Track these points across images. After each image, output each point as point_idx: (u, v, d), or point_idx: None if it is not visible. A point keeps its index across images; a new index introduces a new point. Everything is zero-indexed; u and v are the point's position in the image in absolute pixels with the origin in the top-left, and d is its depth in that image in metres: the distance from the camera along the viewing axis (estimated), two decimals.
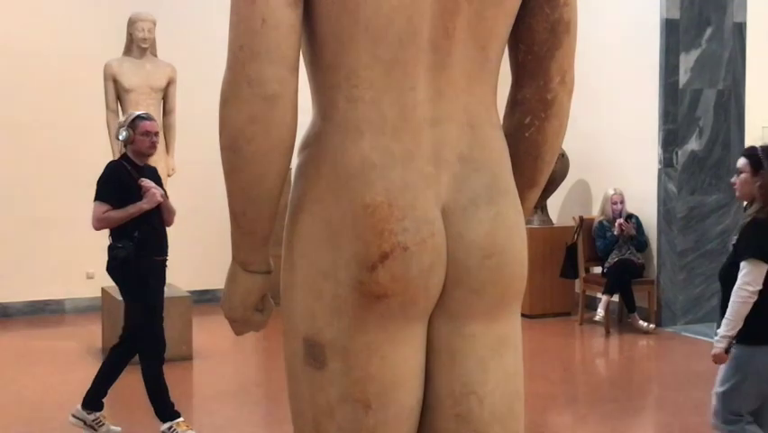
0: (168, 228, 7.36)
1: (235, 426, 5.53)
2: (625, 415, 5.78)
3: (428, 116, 1.82)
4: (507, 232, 1.85)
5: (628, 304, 8.37)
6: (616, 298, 8.47)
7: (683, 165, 8.41)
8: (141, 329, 5.12)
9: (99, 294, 7.93)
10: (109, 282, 7.96)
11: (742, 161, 4.05)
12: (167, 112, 7.57)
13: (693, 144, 8.46)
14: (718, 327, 4.06)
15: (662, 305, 8.47)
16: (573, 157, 8.76)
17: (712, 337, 7.59)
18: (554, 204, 9.45)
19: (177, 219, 8.55)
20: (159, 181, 5.24)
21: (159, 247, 5.17)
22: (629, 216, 8.45)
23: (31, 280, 9.22)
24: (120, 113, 7.43)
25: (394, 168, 1.77)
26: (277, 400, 6.02)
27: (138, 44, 7.38)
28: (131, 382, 6.56)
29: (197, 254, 9.39)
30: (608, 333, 8.17)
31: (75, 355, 7.45)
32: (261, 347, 7.81)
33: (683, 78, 8.40)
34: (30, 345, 7.83)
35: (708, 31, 8.43)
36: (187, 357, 7.14)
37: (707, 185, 8.52)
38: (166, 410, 5.14)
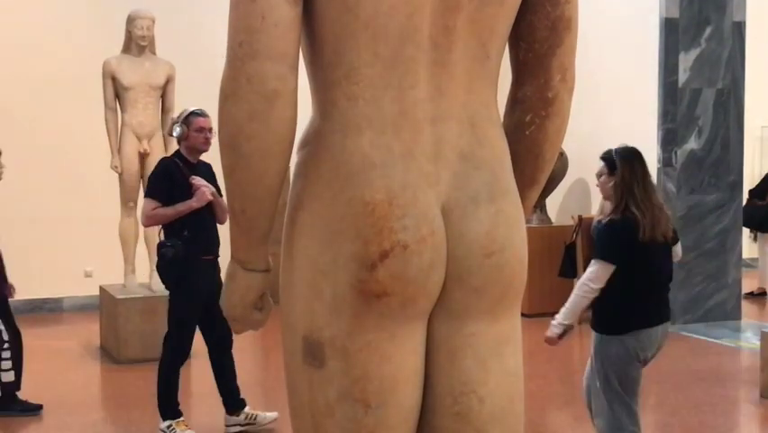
0: (153, 227, 7.37)
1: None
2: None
3: (428, 114, 1.81)
4: (507, 230, 1.84)
5: None
6: None
7: (682, 164, 8.40)
8: (177, 327, 5.11)
9: (97, 292, 7.93)
10: (107, 281, 8.00)
11: (600, 165, 4.26)
12: (165, 110, 7.55)
13: (692, 144, 8.45)
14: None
15: None
16: (572, 156, 8.75)
17: (712, 337, 7.61)
18: (553, 203, 9.45)
19: None
20: (213, 178, 5.13)
21: (207, 246, 5.09)
22: None
23: (29, 279, 9.19)
24: (118, 111, 7.42)
25: (394, 166, 1.76)
26: (275, 398, 6.01)
27: (137, 42, 7.37)
28: (130, 380, 6.56)
29: None
30: None
31: (73, 354, 7.44)
32: (260, 346, 7.80)
33: (682, 77, 8.39)
34: (27, 344, 7.78)
35: (708, 30, 8.43)
36: None
37: (706, 184, 8.51)
38: (169, 409, 5.14)
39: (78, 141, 9.14)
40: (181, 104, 7.75)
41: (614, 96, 8.85)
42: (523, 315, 2.02)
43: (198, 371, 6.99)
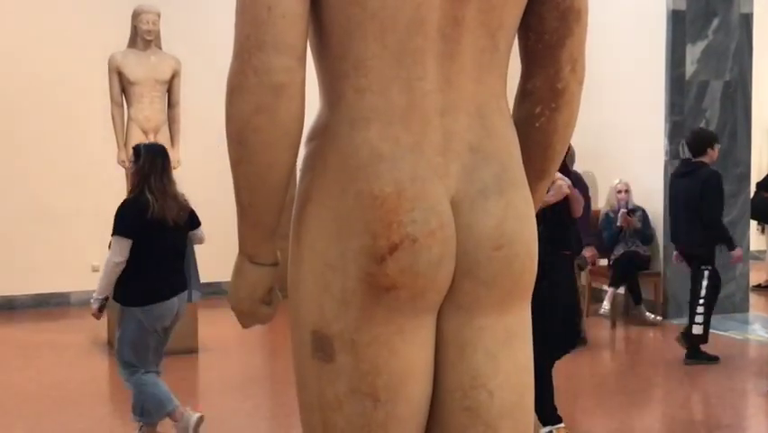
0: None
1: (241, 418, 5.52)
2: (631, 407, 5.77)
3: (437, 106, 1.79)
4: (517, 223, 1.83)
5: (635, 296, 8.36)
6: (622, 290, 8.45)
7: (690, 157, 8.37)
8: (541, 328, 4.94)
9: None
10: None
11: (130, 152, 4.96)
12: (171, 105, 7.56)
13: None
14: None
15: (668, 297, 8.46)
16: (579, 149, 8.71)
17: (719, 329, 7.60)
18: None
19: None
20: (566, 169, 4.98)
21: (566, 241, 4.93)
22: (634, 210, 8.43)
23: (35, 273, 9.23)
24: (125, 105, 7.42)
25: (403, 158, 1.75)
26: (282, 392, 6.02)
27: (142, 37, 7.37)
28: None
29: (202, 247, 9.38)
30: (614, 325, 8.16)
31: (80, 349, 7.46)
32: (267, 340, 7.81)
33: (690, 69, 8.37)
34: (34, 338, 7.84)
35: (715, 22, 8.40)
36: (193, 350, 7.15)
37: None
38: (547, 412, 4.90)
39: (85, 135, 9.15)
40: (187, 98, 7.78)
41: (621, 89, 8.83)
42: None
43: (204, 364, 7.00)
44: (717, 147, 6.92)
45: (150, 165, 4.76)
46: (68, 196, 9.11)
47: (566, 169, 4.93)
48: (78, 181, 9.18)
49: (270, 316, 1.95)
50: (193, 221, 5.03)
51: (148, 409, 4.85)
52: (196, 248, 5.25)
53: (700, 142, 6.86)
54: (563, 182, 4.74)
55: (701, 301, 6.72)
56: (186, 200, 4.93)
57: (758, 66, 8.79)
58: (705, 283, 6.75)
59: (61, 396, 5.93)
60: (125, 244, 4.63)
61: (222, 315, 7.61)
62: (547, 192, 4.60)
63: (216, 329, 7.68)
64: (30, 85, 9.12)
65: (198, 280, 5.16)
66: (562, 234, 4.85)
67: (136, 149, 4.91)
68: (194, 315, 7.20)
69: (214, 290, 9.18)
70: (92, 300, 4.77)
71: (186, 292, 4.91)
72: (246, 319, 1.95)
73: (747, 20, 8.53)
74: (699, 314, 6.70)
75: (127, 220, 4.68)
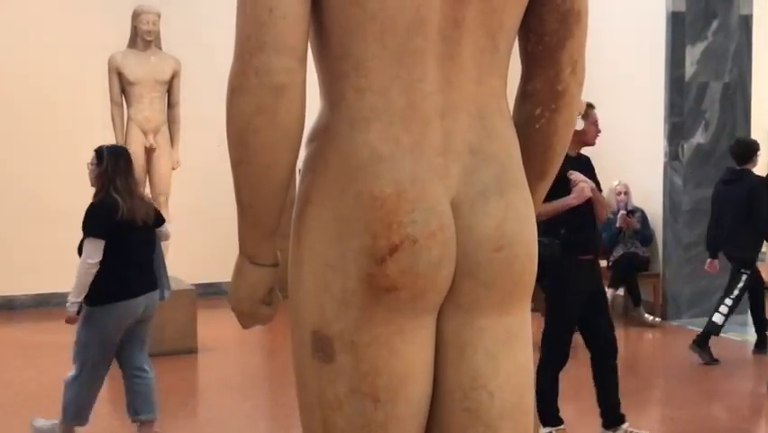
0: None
1: (240, 418, 5.52)
2: (630, 408, 5.76)
3: (437, 107, 1.80)
4: (517, 224, 1.83)
5: (634, 297, 8.36)
6: (621, 291, 8.45)
7: (689, 158, 8.39)
8: (553, 328, 4.86)
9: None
10: None
11: (92, 155, 4.89)
12: (171, 105, 7.56)
13: (699, 137, 8.44)
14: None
15: (667, 298, 8.46)
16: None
17: None
18: None
19: (181, 213, 8.59)
20: (592, 171, 4.91)
21: (586, 246, 4.82)
22: (633, 211, 8.44)
23: (36, 274, 9.23)
24: (124, 106, 7.42)
25: (403, 159, 1.76)
26: (282, 392, 6.02)
27: (142, 37, 7.37)
28: None
29: (202, 248, 9.40)
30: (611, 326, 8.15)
31: None
32: (267, 340, 7.81)
33: (689, 70, 8.38)
34: (35, 339, 7.84)
35: (715, 23, 8.41)
36: (192, 350, 7.16)
37: (713, 178, 8.47)
38: (549, 415, 4.91)
39: (85, 136, 9.13)
40: (187, 99, 7.78)
41: (620, 90, 8.83)
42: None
43: (203, 364, 7.00)
44: (759, 154, 7.14)
45: (113, 167, 4.79)
46: (68, 196, 9.09)
47: (593, 173, 4.87)
48: (78, 181, 9.12)
49: (271, 316, 1.95)
50: (158, 219, 5.09)
51: (70, 405, 4.90)
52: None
53: (745, 150, 7.05)
54: (586, 185, 4.67)
55: (732, 297, 6.95)
56: (150, 200, 4.99)
57: (757, 67, 8.79)
58: (740, 285, 6.94)
59: (61, 396, 5.92)
60: (99, 245, 4.66)
61: (221, 315, 7.60)
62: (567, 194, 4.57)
63: (216, 330, 7.69)
64: (30, 85, 9.13)
65: (167, 278, 5.19)
66: (583, 237, 4.75)
67: (98, 151, 4.92)
68: (193, 315, 7.22)
69: (213, 291, 9.20)
70: (68, 305, 4.75)
71: (156, 291, 4.96)
72: (246, 320, 1.95)
73: (747, 21, 8.54)
74: (725, 305, 6.93)
75: (98, 221, 4.71)
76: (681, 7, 8.30)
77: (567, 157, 4.69)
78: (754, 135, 9.05)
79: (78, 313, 4.75)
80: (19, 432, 5.17)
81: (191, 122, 8.07)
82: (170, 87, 7.52)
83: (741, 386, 6.28)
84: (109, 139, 7.49)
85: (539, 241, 4.71)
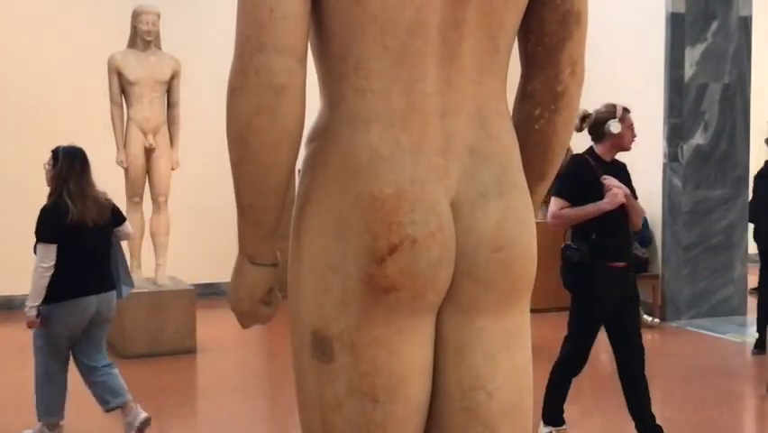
0: (159, 221, 7.36)
1: (239, 419, 5.52)
2: (626, 410, 5.77)
3: (437, 108, 1.80)
4: (516, 225, 1.84)
5: None
6: None
7: (688, 159, 8.40)
8: (575, 334, 4.81)
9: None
10: None
11: (49, 157, 4.98)
12: (171, 105, 7.56)
13: (698, 138, 8.44)
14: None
15: (666, 299, 8.46)
16: (578, 151, 8.73)
17: (717, 332, 7.61)
18: None
19: (181, 213, 8.59)
20: (627, 177, 4.84)
21: (617, 253, 4.71)
22: None
23: None
24: (124, 106, 7.42)
25: (403, 160, 1.76)
26: (280, 393, 6.02)
27: (142, 37, 7.36)
28: (136, 375, 6.57)
29: (201, 248, 9.40)
30: None
31: None
32: (266, 340, 7.81)
33: (689, 72, 8.38)
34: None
35: (714, 25, 8.41)
36: (191, 350, 7.16)
37: (712, 179, 8.50)
38: (554, 415, 4.89)
39: (84, 136, 9.12)
40: (187, 99, 7.78)
41: (620, 91, 8.82)
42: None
43: (202, 364, 7.01)
44: None
45: (67, 169, 4.88)
46: None
47: (628, 180, 4.83)
48: None
49: (270, 316, 1.95)
50: (118, 218, 5.15)
51: (39, 403, 4.97)
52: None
53: None
54: (620, 190, 4.60)
55: None
56: (107, 199, 5.06)
57: (757, 69, 8.80)
58: None
59: None
60: (51, 249, 4.75)
61: (220, 315, 7.62)
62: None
63: (215, 330, 7.69)
64: (29, 85, 9.12)
65: (128, 275, 5.28)
66: (614, 244, 4.67)
67: (55, 152, 4.99)
68: (192, 315, 7.22)
69: (212, 291, 9.20)
70: (26, 309, 4.82)
71: (113, 292, 5.02)
72: (246, 319, 1.96)
73: (746, 23, 8.54)
74: None
75: (49, 226, 4.80)
76: (681, 8, 8.31)
77: (601, 162, 4.69)
78: (753, 137, 9.07)
79: (37, 317, 4.82)
80: (16, 431, 5.17)
81: (191, 122, 8.07)
82: (170, 88, 7.52)
83: (740, 387, 6.28)
84: (109, 139, 7.51)
85: (569, 245, 4.60)
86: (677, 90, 8.37)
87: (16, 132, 9.15)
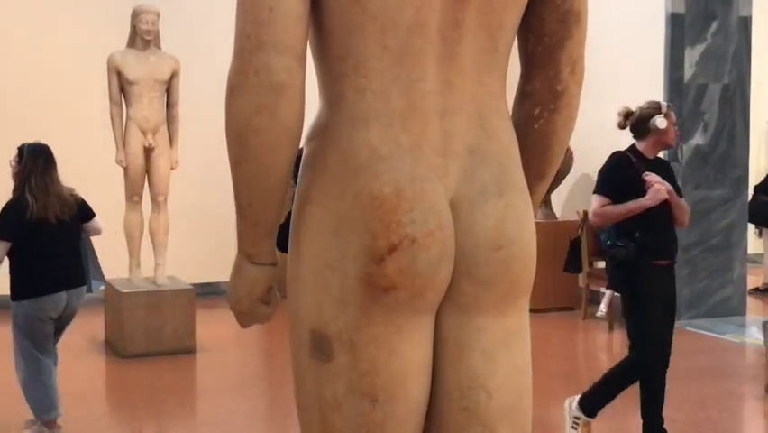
0: (159, 220, 7.36)
1: (238, 418, 5.52)
2: (628, 409, 5.76)
3: (437, 107, 1.80)
4: (516, 224, 1.84)
5: None
6: None
7: (688, 159, 8.39)
8: (638, 334, 4.68)
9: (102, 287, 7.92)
10: (111, 275, 7.99)
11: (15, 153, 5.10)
12: (170, 104, 7.55)
13: (698, 139, 8.43)
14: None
15: None
16: (578, 151, 8.74)
17: (717, 332, 7.60)
18: (558, 198, 9.44)
19: (180, 213, 8.58)
20: (670, 175, 4.76)
21: (662, 250, 4.66)
22: None
23: None
24: (123, 105, 7.42)
25: (402, 159, 1.76)
26: (280, 392, 6.02)
27: (142, 36, 7.36)
28: (135, 374, 6.58)
29: (200, 247, 9.39)
30: (611, 327, 8.16)
31: (77, 348, 7.44)
32: (265, 340, 7.81)
33: (688, 72, 8.37)
34: None
35: (714, 25, 8.41)
36: (191, 350, 7.16)
37: (711, 179, 8.49)
38: (593, 406, 4.82)
39: (83, 135, 9.14)
40: (186, 98, 7.78)
41: (619, 91, 8.82)
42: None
43: (201, 364, 7.01)
44: None
45: (31, 165, 4.93)
46: None
47: (673, 178, 4.77)
48: (76, 181, 9.11)
49: (269, 315, 1.95)
50: (86, 214, 5.21)
51: (29, 402, 5.05)
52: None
53: None
54: (662, 186, 4.54)
55: None
56: (74, 195, 5.13)
57: (757, 69, 8.79)
58: None
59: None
60: (3, 247, 4.83)
61: (219, 315, 7.61)
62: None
63: (214, 329, 7.68)
64: (29, 85, 9.12)
65: (99, 270, 5.36)
66: (658, 241, 4.61)
67: (20, 149, 5.05)
68: (192, 315, 7.22)
69: (211, 291, 9.19)
70: None
71: (83, 288, 5.10)
72: (245, 319, 1.96)
73: (746, 23, 8.54)
74: None
75: (5, 223, 4.87)
76: (681, 8, 8.30)
77: (644, 159, 4.65)
78: (753, 137, 9.07)
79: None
80: (15, 431, 5.16)
81: (190, 122, 8.06)
82: (170, 87, 7.51)
83: (739, 387, 6.28)
84: (108, 139, 7.51)
85: (613, 244, 4.54)
86: (676, 90, 8.36)
87: (16, 131, 9.12)
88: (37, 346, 4.95)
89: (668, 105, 4.72)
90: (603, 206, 4.61)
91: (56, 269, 4.91)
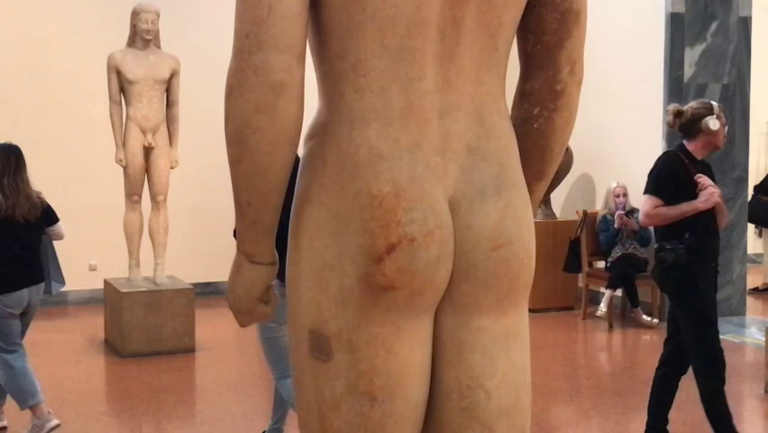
0: (158, 220, 7.39)
1: (238, 418, 5.52)
2: (627, 409, 5.77)
3: (436, 106, 1.80)
4: (515, 223, 1.83)
5: (632, 299, 8.36)
6: (619, 292, 8.46)
7: None
8: (693, 343, 4.57)
9: (102, 286, 7.93)
10: (111, 274, 8.00)
11: None
12: (170, 104, 7.55)
13: None
14: None
15: (665, 300, 8.43)
16: (577, 151, 8.74)
17: None
18: (558, 198, 9.44)
19: (179, 212, 8.58)
20: (713, 178, 4.71)
21: (711, 251, 4.61)
22: (632, 211, 8.44)
23: None
24: (123, 104, 7.42)
25: (401, 158, 1.76)
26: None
27: (141, 36, 7.36)
28: (134, 374, 6.58)
29: (200, 247, 9.39)
30: (611, 327, 8.17)
31: (77, 347, 7.46)
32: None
33: (688, 72, 8.37)
34: (32, 337, 7.79)
35: (714, 25, 8.41)
36: (190, 349, 7.16)
37: (710, 180, 8.48)
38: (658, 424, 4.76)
39: (83, 134, 9.14)
40: (186, 98, 7.78)
41: (619, 91, 8.84)
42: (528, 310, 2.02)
43: (201, 363, 7.00)
44: None
45: (3, 165, 5.03)
46: (65, 195, 9.09)
47: (714, 180, 4.70)
48: (76, 181, 9.17)
49: (268, 315, 1.95)
50: (49, 218, 5.31)
51: (15, 396, 5.11)
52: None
53: None
54: (715, 189, 4.51)
55: None
56: (40, 198, 5.23)
57: (756, 69, 8.79)
58: None
59: (58, 395, 5.93)
60: None
61: (219, 315, 7.61)
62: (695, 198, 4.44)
63: (214, 329, 7.69)
64: (29, 85, 9.12)
65: (60, 272, 5.48)
66: (707, 243, 4.56)
67: None
68: (191, 315, 7.22)
69: (211, 290, 9.20)
70: None
71: (41, 285, 5.21)
72: (244, 318, 1.96)
73: (746, 23, 8.53)
74: None
75: None
76: (681, 8, 8.30)
77: (694, 160, 4.59)
78: (752, 138, 9.07)
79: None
80: (14, 431, 5.17)
81: (190, 121, 8.07)
82: (169, 86, 7.51)
83: (738, 388, 6.27)
84: (107, 138, 7.52)
85: (663, 246, 4.41)
86: (676, 90, 8.36)
87: (16, 131, 9.12)
88: (6, 341, 5.07)
89: (719, 106, 4.65)
90: (656, 207, 4.54)
91: (19, 267, 5.06)
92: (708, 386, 4.56)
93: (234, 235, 1.91)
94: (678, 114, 4.61)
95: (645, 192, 4.62)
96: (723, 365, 4.56)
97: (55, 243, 5.26)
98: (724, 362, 4.57)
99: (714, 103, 4.70)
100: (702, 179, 4.53)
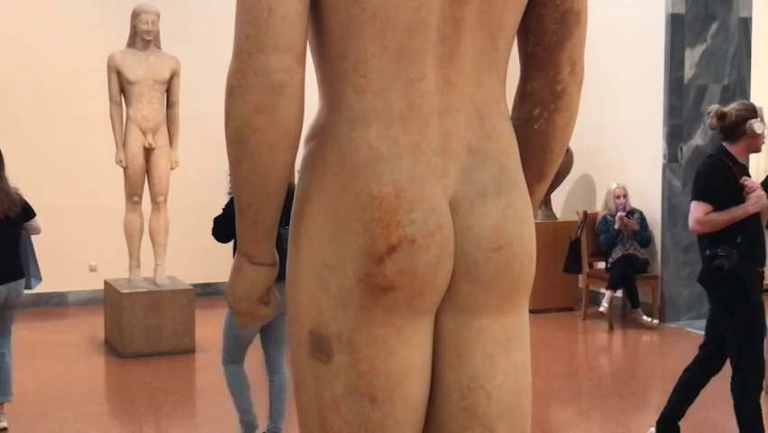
0: (158, 221, 7.42)
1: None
2: (628, 410, 5.78)
3: (436, 107, 1.80)
4: (515, 224, 1.83)
5: (632, 299, 8.36)
6: (619, 293, 8.46)
7: (688, 160, 8.39)
8: (739, 350, 4.49)
9: (102, 287, 7.93)
10: (111, 275, 8.00)
11: None
12: (170, 104, 7.55)
13: (698, 139, 8.43)
14: None
15: (665, 300, 8.46)
16: (577, 152, 8.74)
17: None
18: (558, 199, 9.44)
19: (180, 213, 8.58)
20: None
21: (761, 255, 4.55)
22: (632, 212, 8.45)
23: None
24: (123, 105, 7.42)
25: (401, 159, 1.76)
26: None
27: (142, 36, 7.36)
28: (135, 374, 6.57)
29: (200, 248, 9.37)
30: (611, 328, 8.17)
31: (77, 348, 7.46)
32: None
33: (688, 73, 8.37)
34: (32, 338, 7.82)
35: (714, 26, 8.41)
36: (190, 350, 7.17)
37: None
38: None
39: (83, 135, 9.14)
40: (186, 98, 7.78)
41: (619, 92, 8.84)
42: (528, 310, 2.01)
43: (201, 364, 7.00)
44: None
45: None
46: (66, 196, 9.10)
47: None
48: (77, 181, 9.17)
49: (268, 315, 1.95)
50: (27, 213, 5.39)
51: None
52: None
53: None
54: (763, 192, 4.41)
55: None
56: (18, 194, 5.32)
57: (757, 70, 8.79)
58: None
59: (59, 395, 5.93)
60: None
61: (219, 315, 7.61)
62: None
63: (214, 330, 7.66)
64: (30, 85, 9.12)
65: (37, 268, 5.57)
66: (756, 247, 4.49)
67: None
68: (191, 315, 7.23)
69: (211, 291, 9.20)
70: None
71: (20, 281, 5.29)
72: (244, 319, 1.96)
73: (746, 24, 8.54)
74: None
75: None
76: (681, 9, 8.30)
77: (738, 164, 4.52)
78: None
79: None
80: (15, 432, 5.17)
81: (190, 122, 8.07)
82: (169, 87, 7.51)
83: None
84: (108, 138, 7.52)
85: (714, 254, 4.29)
86: (676, 91, 8.36)
87: (16, 131, 9.14)
88: None
89: (761, 108, 4.57)
90: (707, 213, 4.41)
91: None
92: (746, 394, 4.50)
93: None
94: (721, 116, 4.49)
95: (694, 199, 4.50)
96: (763, 374, 4.54)
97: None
98: (764, 371, 4.54)
99: (756, 104, 4.62)
100: (749, 181, 4.46)
